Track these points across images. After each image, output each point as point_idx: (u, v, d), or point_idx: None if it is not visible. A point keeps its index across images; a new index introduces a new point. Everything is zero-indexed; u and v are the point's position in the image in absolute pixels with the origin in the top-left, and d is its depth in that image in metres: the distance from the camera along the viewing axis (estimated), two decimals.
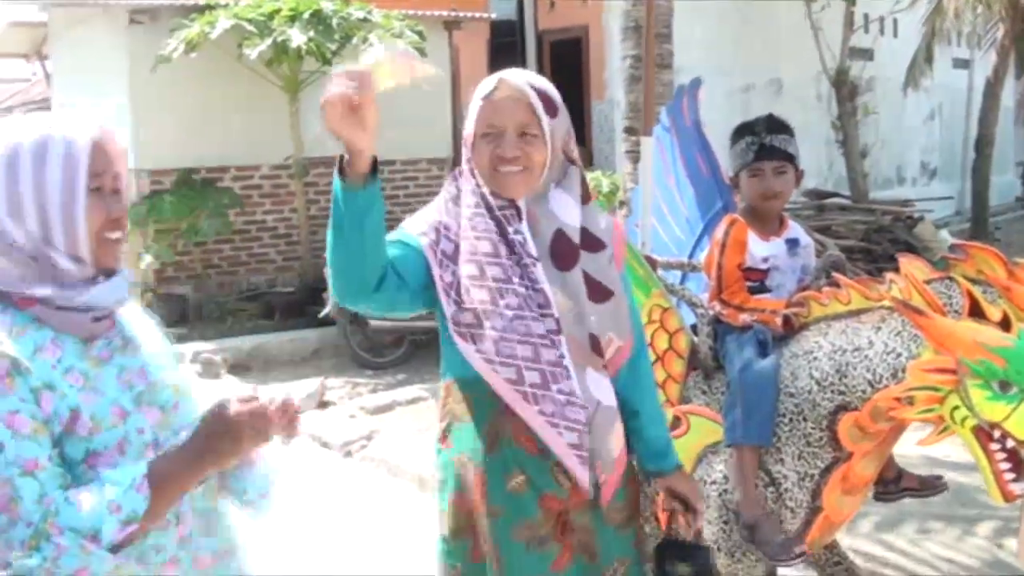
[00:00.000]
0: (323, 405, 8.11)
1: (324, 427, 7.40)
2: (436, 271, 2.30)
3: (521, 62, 14.80)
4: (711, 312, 3.30)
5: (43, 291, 1.74)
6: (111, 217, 1.80)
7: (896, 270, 2.79)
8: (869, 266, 10.25)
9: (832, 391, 2.90)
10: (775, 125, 3.34)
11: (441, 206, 2.38)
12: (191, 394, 1.97)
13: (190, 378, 2.03)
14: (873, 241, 11.65)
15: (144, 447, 1.81)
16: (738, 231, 3.26)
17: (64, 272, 1.77)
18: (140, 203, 10.45)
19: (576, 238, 2.36)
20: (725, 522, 3.07)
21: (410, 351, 9.32)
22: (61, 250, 1.76)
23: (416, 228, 2.36)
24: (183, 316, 10.50)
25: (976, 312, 2.62)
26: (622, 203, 7.45)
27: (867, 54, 15.45)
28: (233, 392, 1.78)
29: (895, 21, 16.76)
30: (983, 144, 15.95)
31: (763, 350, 3.11)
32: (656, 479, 2.58)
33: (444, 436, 2.44)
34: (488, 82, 2.34)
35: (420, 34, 10.22)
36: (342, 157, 2.10)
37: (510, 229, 2.31)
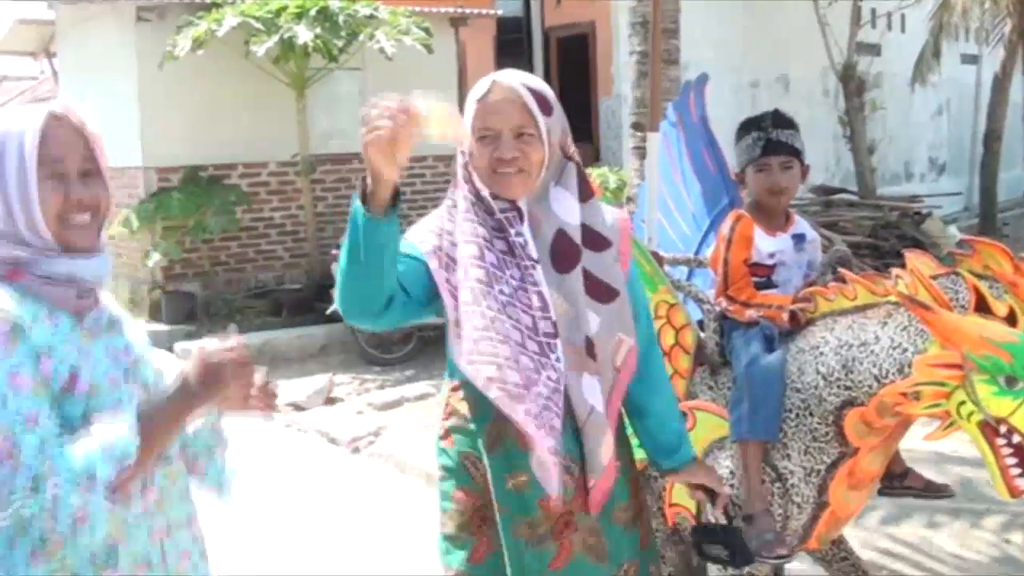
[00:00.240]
0: (331, 401, 8.13)
1: (332, 423, 7.42)
2: (440, 275, 2.30)
3: (528, 59, 14.81)
4: (717, 308, 3.30)
5: (19, 252, 1.83)
6: (71, 200, 1.86)
7: (903, 266, 2.79)
8: (877, 262, 10.24)
9: (838, 386, 2.90)
10: (781, 120, 3.34)
11: (443, 213, 2.39)
12: (167, 377, 2.04)
13: (164, 363, 2.13)
14: (881, 237, 11.64)
15: None
16: (744, 227, 3.26)
17: (34, 248, 1.86)
18: (148, 200, 10.48)
19: (577, 237, 2.35)
20: (732, 517, 3.07)
21: (418, 347, 9.34)
22: (25, 234, 1.85)
23: (418, 237, 2.36)
24: (191, 313, 10.52)
25: (982, 307, 2.62)
26: (629, 199, 7.45)
27: (874, 49, 15.44)
28: (213, 341, 1.87)
29: (903, 16, 16.73)
30: (991, 140, 15.91)
31: (769, 346, 3.11)
32: (672, 475, 2.60)
33: (447, 434, 2.45)
34: (481, 85, 2.34)
35: (426, 31, 10.23)
36: (364, 182, 2.10)
37: (512, 231, 2.31)
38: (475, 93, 2.33)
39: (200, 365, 1.84)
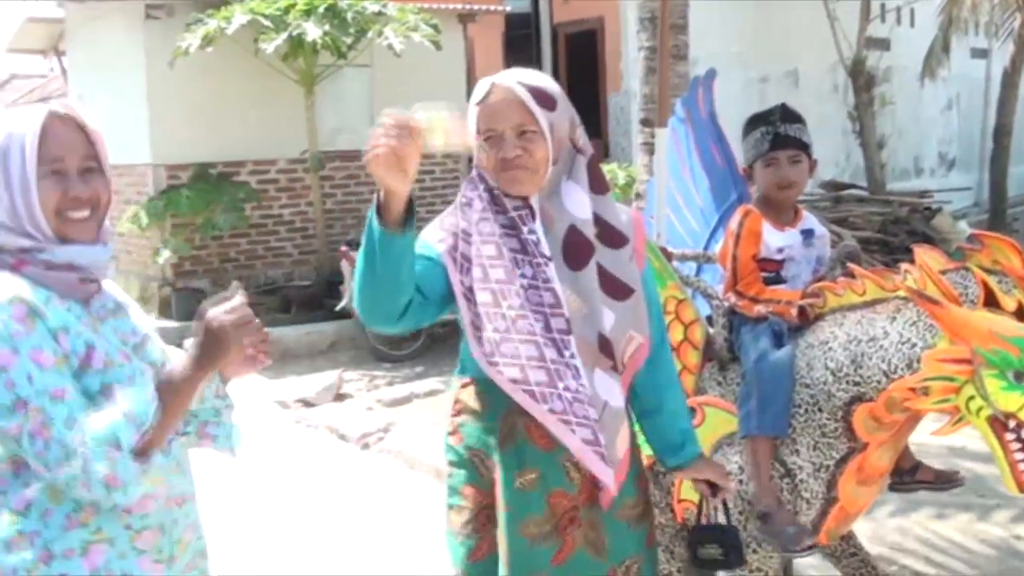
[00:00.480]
0: (340, 398, 8.14)
1: (341, 420, 7.43)
2: (455, 275, 2.32)
3: (536, 55, 14.81)
4: (726, 303, 3.30)
5: (22, 242, 1.93)
6: (69, 197, 1.95)
7: (912, 261, 2.79)
8: (886, 258, 10.21)
9: (847, 382, 2.90)
10: (789, 115, 3.34)
11: (457, 211, 2.40)
12: (172, 359, 2.14)
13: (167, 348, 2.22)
14: (890, 233, 11.61)
15: None
16: (753, 222, 3.26)
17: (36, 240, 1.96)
18: (157, 198, 10.50)
19: (589, 232, 2.36)
20: (740, 513, 3.07)
21: (427, 344, 9.35)
22: (28, 227, 1.95)
23: (434, 236, 2.38)
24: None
25: (991, 302, 2.62)
26: (638, 195, 7.44)
27: (884, 44, 15.39)
28: (217, 303, 1.97)
29: (912, 11, 16.68)
30: (1001, 134, 15.86)
31: (778, 341, 3.12)
32: (677, 472, 2.61)
33: (455, 431, 2.46)
34: (481, 87, 2.36)
35: (435, 27, 10.23)
36: (379, 195, 2.11)
37: (524, 229, 2.32)
38: (475, 97, 2.35)
39: (205, 331, 1.93)
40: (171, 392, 1.92)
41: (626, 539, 2.44)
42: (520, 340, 2.25)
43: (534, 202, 2.35)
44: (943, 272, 2.71)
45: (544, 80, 2.38)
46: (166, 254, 10.36)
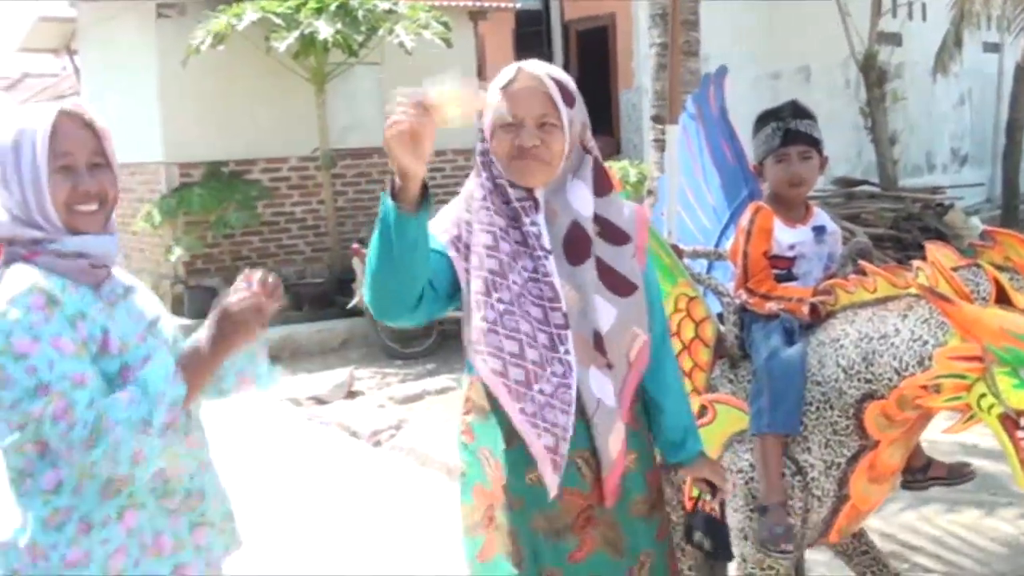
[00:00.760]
0: (352, 395, 8.16)
1: (353, 417, 7.45)
2: (460, 264, 2.32)
3: (547, 52, 14.80)
4: (737, 300, 3.30)
5: (33, 233, 2.03)
6: (79, 191, 2.05)
7: (925, 258, 2.78)
8: (899, 254, 10.19)
9: (859, 379, 2.89)
10: (799, 111, 3.33)
11: (461, 203, 2.40)
12: (183, 339, 2.25)
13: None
14: (903, 229, 11.57)
15: None
16: (764, 219, 3.26)
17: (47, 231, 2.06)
18: (169, 196, 10.54)
19: (590, 229, 2.36)
20: (752, 510, 3.07)
21: (439, 341, 9.36)
22: (39, 219, 2.05)
23: (439, 227, 2.38)
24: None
25: (1003, 299, 2.60)
26: (649, 192, 7.43)
27: (895, 39, 15.32)
28: (231, 290, 2.07)
29: (923, 5, 16.61)
30: (1014, 129, 15.79)
31: (789, 338, 3.11)
32: (678, 468, 2.62)
33: (468, 430, 2.46)
34: (506, 72, 2.35)
35: (446, 25, 10.24)
36: (393, 181, 2.11)
37: (527, 220, 2.31)
38: (499, 81, 2.34)
39: (224, 318, 2.02)
40: (192, 372, 2.01)
41: (639, 533, 2.45)
42: (505, 335, 2.25)
43: (539, 195, 2.35)
44: (955, 269, 2.70)
45: (567, 76, 2.39)
46: (178, 252, 10.40)
